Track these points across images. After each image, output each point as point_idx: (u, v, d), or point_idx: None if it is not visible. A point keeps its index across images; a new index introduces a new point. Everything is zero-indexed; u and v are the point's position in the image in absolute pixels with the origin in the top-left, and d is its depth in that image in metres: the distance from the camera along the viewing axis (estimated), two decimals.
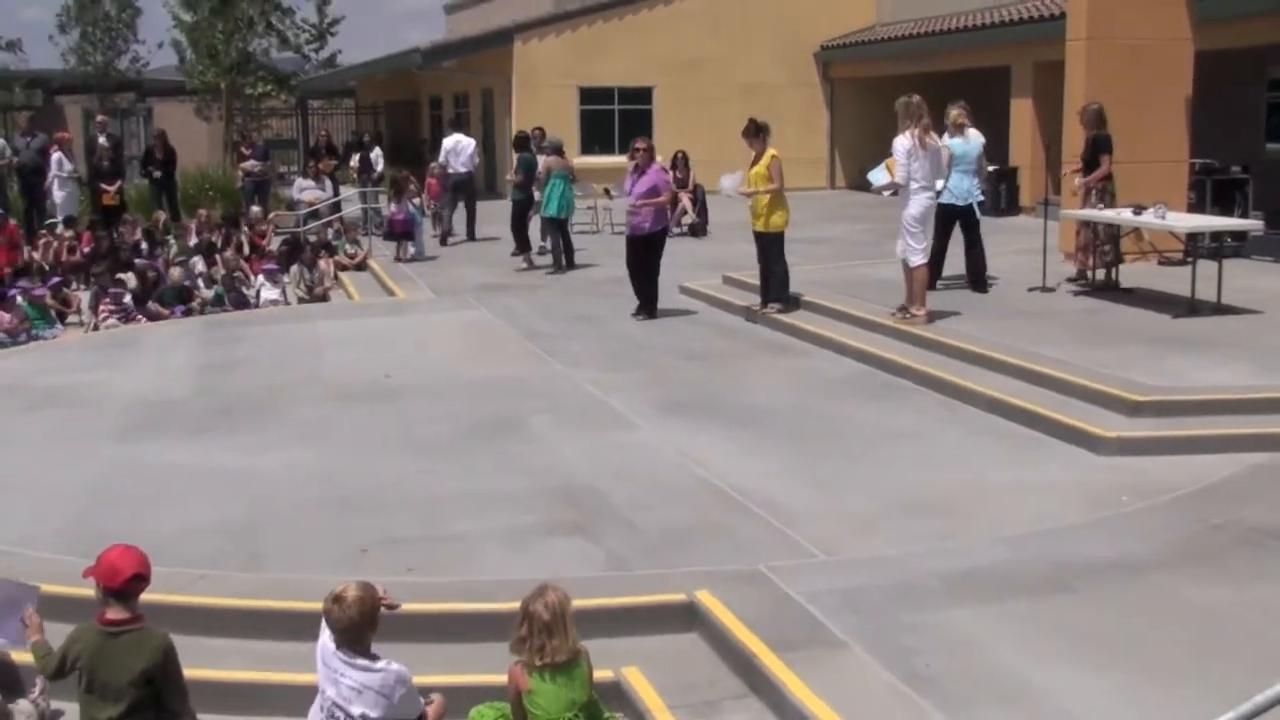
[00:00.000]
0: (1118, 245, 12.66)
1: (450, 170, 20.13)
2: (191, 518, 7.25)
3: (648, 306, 13.07)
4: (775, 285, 12.51)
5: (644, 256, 13.02)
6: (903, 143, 10.89)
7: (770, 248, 12.37)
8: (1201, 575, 6.04)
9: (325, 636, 4.99)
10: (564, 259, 16.92)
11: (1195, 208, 14.66)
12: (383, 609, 5.05)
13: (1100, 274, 12.71)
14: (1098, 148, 12.67)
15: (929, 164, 10.96)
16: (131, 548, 5.16)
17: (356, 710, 4.91)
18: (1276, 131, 19.53)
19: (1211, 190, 15.63)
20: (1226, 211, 15.04)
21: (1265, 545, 6.39)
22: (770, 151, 12.09)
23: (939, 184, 11.34)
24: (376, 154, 23.73)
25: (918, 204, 10.98)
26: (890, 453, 8.24)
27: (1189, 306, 11.10)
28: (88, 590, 5.16)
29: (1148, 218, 11.87)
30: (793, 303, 12.53)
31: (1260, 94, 19.56)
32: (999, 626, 5.51)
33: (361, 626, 4.93)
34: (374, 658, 5.00)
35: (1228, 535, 6.55)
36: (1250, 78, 18.89)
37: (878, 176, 11.85)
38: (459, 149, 20.18)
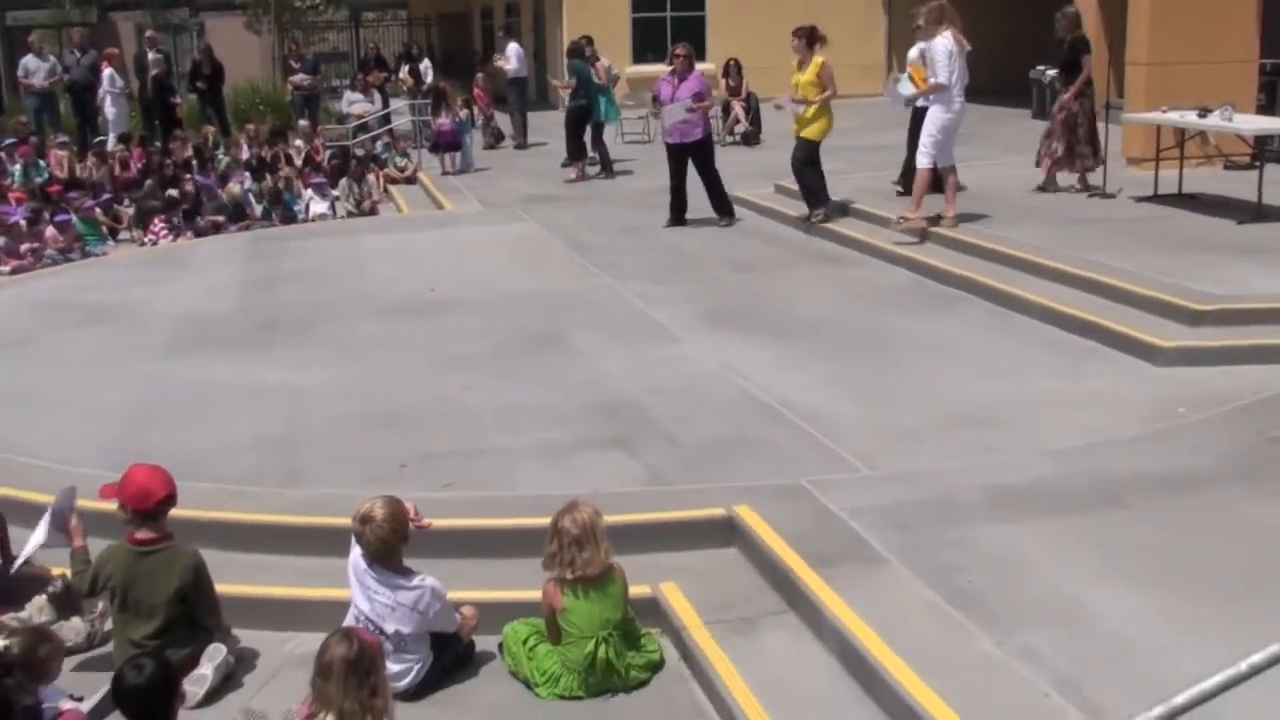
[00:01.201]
0: (1096, 148, 12.29)
1: (519, 75, 20.72)
2: (232, 434, 7.24)
3: (724, 212, 12.95)
4: (806, 194, 12.27)
5: (696, 163, 12.82)
6: (944, 44, 10.64)
7: (797, 154, 12.11)
8: (1259, 491, 5.83)
9: (356, 553, 4.96)
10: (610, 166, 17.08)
11: (1264, 110, 14.15)
12: (413, 527, 5.02)
13: (1077, 179, 12.46)
14: (1076, 50, 12.31)
15: (962, 69, 10.71)
16: (156, 468, 5.15)
17: (390, 627, 4.90)
18: None
19: None
20: None
21: None
22: (818, 59, 11.78)
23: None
24: (426, 65, 23.54)
25: (952, 111, 10.80)
26: (938, 364, 8.05)
27: (1255, 212, 10.72)
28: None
29: (1214, 120, 11.46)
30: (834, 209, 12.24)
31: None
32: (1045, 543, 5.35)
33: (392, 544, 4.92)
34: (407, 573, 4.98)
35: None
36: None
37: (905, 87, 11.52)
38: (521, 54, 21.12)
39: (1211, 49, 13.32)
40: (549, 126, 18.37)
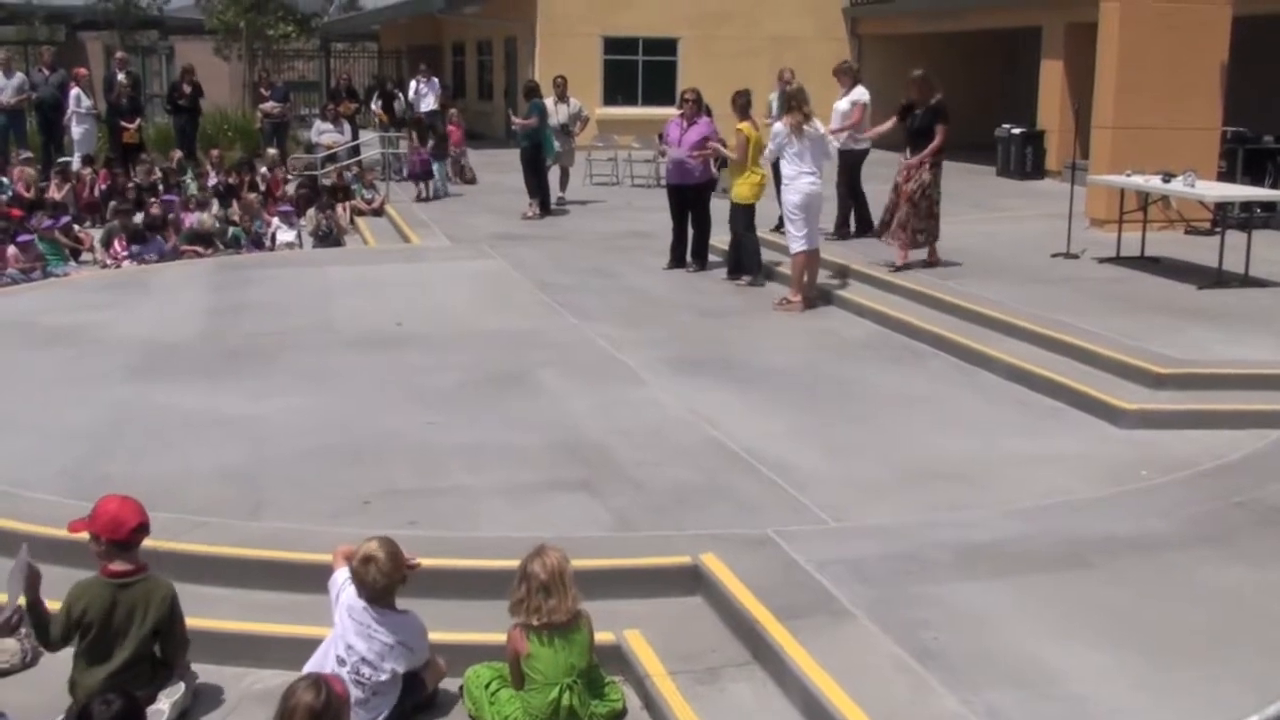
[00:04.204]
0: (934, 225, 11.72)
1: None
2: (193, 463, 7.15)
3: (699, 259, 13.01)
4: (743, 257, 12.38)
5: (691, 205, 12.91)
6: (779, 129, 11.12)
7: (734, 218, 12.26)
8: (1220, 555, 5.88)
9: (350, 593, 4.90)
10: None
11: (1225, 177, 14.42)
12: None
13: (918, 254, 11.74)
14: (934, 117, 11.51)
15: (812, 150, 11.02)
16: (127, 498, 5.07)
17: (388, 665, 4.87)
18: None
19: (1243, 159, 15.36)
20: (1257, 182, 14.79)
21: None
22: (739, 124, 12.02)
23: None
24: (401, 101, 23.59)
25: (797, 190, 11.06)
26: (905, 417, 8.09)
27: (1215, 278, 10.89)
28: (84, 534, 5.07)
29: (1176, 185, 11.65)
30: (764, 273, 12.37)
31: None
32: (1010, 601, 5.37)
33: (394, 584, 4.89)
34: (403, 611, 4.96)
35: (1248, 514, 6.39)
36: None
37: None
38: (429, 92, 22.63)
39: (1176, 116, 13.58)
40: (515, 163, 18.42)
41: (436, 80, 23.40)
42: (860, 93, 13.43)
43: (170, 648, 4.97)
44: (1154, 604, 5.36)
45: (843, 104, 13.41)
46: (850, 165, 13.47)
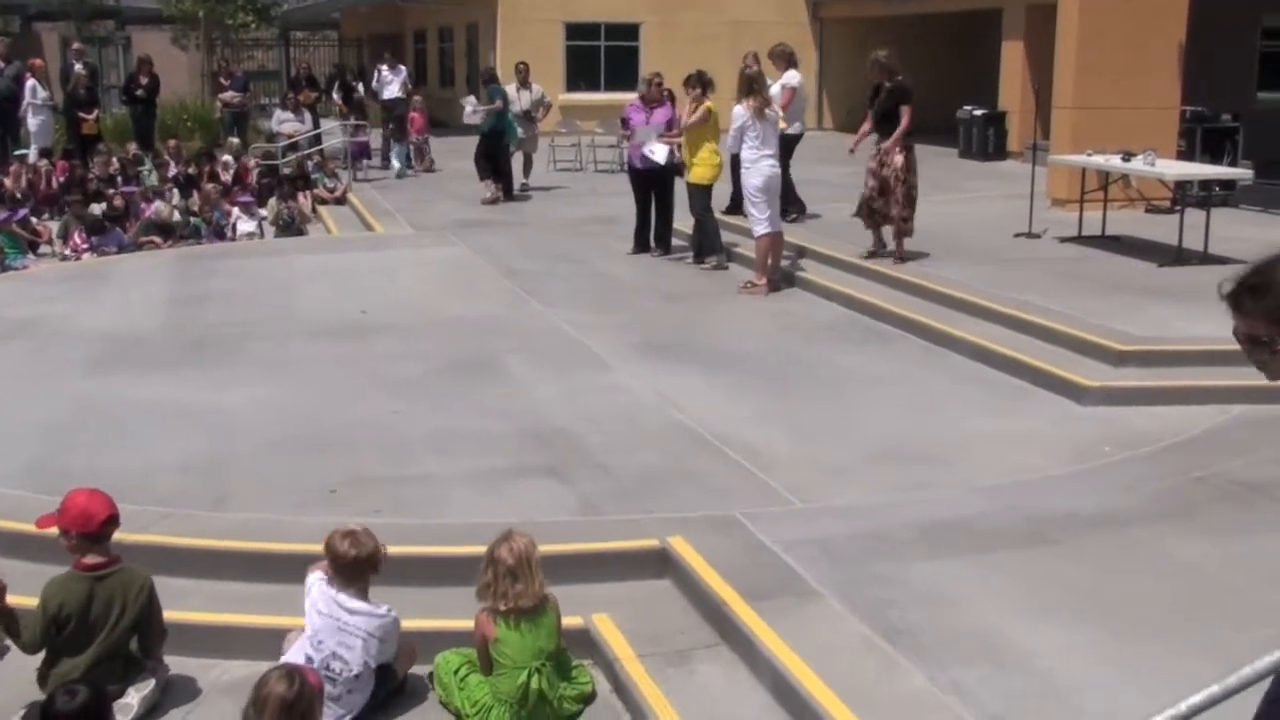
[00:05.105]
0: (912, 211, 11.16)
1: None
2: (157, 455, 7.10)
3: (663, 243, 12.98)
4: (704, 238, 12.38)
5: (655, 190, 12.86)
6: (738, 114, 11.02)
7: (693, 200, 12.22)
8: (1183, 529, 5.94)
9: (318, 590, 4.87)
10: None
11: (1185, 155, 14.52)
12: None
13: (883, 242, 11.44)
14: (897, 98, 11.09)
15: (768, 133, 11.09)
16: (96, 490, 5.03)
17: (359, 658, 4.83)
18: (1268, 80, 19.38)
19: (1201, 138, 15.48)
20: (1216, 160, 14.90)
21: (1247, 499, 6.31)
22: (705, 103, 11.96)
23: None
24: (362, 89, 23.47)
25: (759, 173, 11.06)
26: (871, 399, 8.12)
27: (1175, 255, 10.97)
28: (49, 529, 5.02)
29: (1136, 164, 11.73)
30: (726, 254, 12.37)
31: (1253, 42, 19.38)
32: (976, 578, 5.40)
33: (368, 564, 4.86)
34: (375, 605, 4.93)
35: (1210, 488, 6.46)
36: (1243, 25, 18.68)
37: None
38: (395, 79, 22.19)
39: (1135, 95, 13.67)
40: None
41: (403, 68, 23.20)
42: (791, 76, 13.44)
43: (149, 639, 4.94)
44: (1118, 579, 5.41)
45: (774, 88, 13.21)
46: (781, 149, 13.24)
